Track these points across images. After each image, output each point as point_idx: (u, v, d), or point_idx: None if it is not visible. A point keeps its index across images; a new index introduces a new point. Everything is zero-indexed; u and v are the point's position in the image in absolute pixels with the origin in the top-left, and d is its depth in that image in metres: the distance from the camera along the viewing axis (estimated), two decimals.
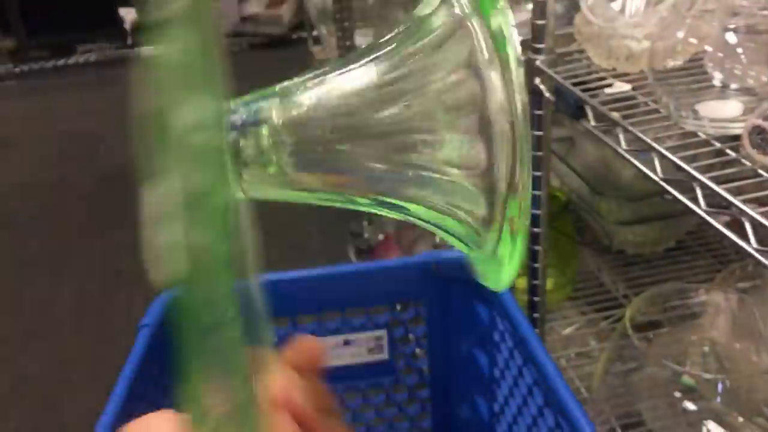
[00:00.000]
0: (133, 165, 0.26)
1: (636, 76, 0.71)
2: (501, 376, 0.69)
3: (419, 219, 0.34)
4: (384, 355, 0.75)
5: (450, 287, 0.72)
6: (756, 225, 0.50)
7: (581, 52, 0.76)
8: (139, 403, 0.57)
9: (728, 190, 0.53)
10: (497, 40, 0.30)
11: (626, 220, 1.00)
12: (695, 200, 0.55)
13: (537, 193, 0.83)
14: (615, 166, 1.00)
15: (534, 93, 0.76)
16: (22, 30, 3.29)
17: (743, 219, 0.51)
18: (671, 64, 0.66)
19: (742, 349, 0.74)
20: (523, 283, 0.92)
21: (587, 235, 1.12)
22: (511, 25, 0.30)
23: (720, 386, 0.69)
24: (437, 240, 1.19)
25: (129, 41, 3.26)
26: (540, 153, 0.81)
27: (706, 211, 0.55)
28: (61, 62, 3.26)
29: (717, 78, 0.62)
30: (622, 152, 0.63)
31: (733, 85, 0.61)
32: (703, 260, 1.11)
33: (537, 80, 0.76)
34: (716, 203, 0.54)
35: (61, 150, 2.53)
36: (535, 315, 0.92)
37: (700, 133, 0.60)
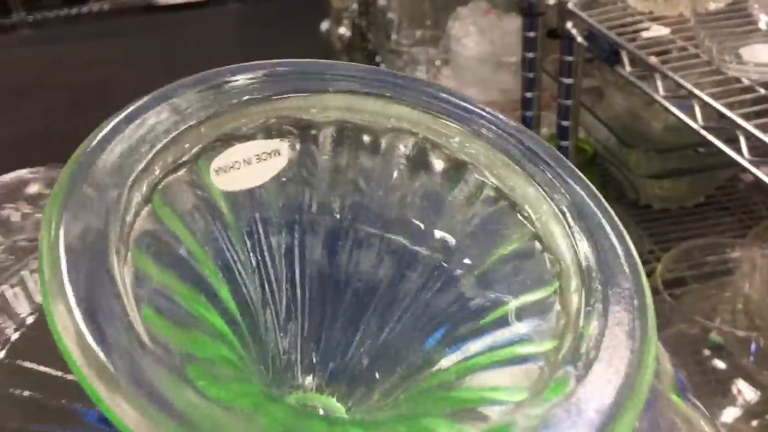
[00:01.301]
0: None
1: (674, 19, 0.67)
2: None
3: None
4: None
5: None
6: None
7: None
8: None
9: None
10: None
11: (655, 173, 0.97)
12: (738, 150, 0.52)
13: (565, 143, 0.81)
14: (644, 117, 0.96)
15: (566, 37, 0.73)
16: None
17: None
18: (713, 6, 0.62)
19: None
20: None
21: (613, 189, 1.09)
22: None
23: (753, 345, 0.67)
24: None
25: None
26: (569, 102, 0.78)
27: (749, 161, 0.52)
28: (75, 11, 3.22)
29: (763, 20, 0.59)
30: (660, 99, 0.60)
31: None
32: (732, 217, 1.08)
33: (569, 24, 0.72)
34: (761, 152, 0.51)
35: (74, 100, 2.50)
36: None
37: (743, 79, 0.57)
